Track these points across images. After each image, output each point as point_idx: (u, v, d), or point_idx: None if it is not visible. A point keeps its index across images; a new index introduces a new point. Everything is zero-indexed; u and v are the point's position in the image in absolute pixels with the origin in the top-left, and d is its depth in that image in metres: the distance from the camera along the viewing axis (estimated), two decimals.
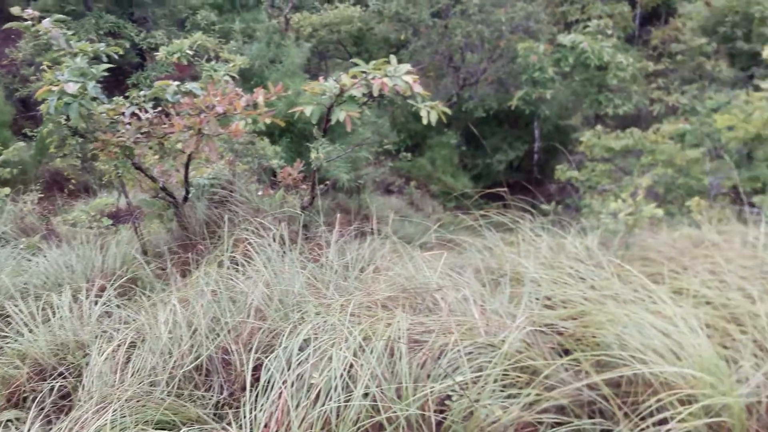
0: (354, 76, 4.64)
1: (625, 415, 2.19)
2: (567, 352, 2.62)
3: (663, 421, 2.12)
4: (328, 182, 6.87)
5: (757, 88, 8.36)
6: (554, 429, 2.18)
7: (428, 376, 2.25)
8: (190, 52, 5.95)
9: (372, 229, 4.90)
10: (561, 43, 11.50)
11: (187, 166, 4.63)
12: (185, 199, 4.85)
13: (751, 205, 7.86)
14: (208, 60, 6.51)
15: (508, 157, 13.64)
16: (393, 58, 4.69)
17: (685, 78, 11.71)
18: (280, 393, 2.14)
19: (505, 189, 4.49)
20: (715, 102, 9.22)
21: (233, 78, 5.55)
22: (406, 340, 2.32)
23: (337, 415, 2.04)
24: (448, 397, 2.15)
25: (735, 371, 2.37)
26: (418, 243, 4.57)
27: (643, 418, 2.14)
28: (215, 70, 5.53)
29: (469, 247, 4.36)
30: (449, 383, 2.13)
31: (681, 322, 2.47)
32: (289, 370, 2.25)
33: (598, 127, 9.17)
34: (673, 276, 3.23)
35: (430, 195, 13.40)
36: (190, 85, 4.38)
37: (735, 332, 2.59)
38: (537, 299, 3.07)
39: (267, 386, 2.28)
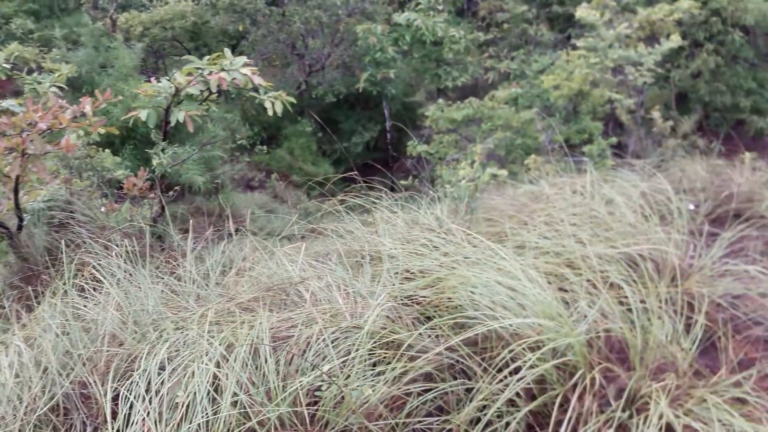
0: (189, 74, 4.46)
1: (484, 370, 2.35)
2: (429, 320, 2.75)
3: (517, 370, 2.30)
4: (177, 188, 6.56)
5: (574, 48, 9.15)
6: (422, 396, 2.29)
7: (297, 371, 2.26)
8: (7, 66, 5.45)
9: (232, 228, 4.77)
10: (397, 22, 11.81)
11: (16, 191, 4.22)
12: (19, 227, 4.43)
13: (583, 154, 8.69)
14: (30, 72, 5.95)
15: (363, 138, 13.85)
16: (228, 52, 4.56)
17: (512, 44, 12.56)
18: (143, 419, 2.04)
19: (356, 173, 4.58)
20: (540, 64, 10.01)
21: (61, 88, 5.14)
22: (270, 340, 2.31)
23: (207, 430, 1.99)
24: (319, 388, 2.18)
25: (574, 312, 2.63)
26: (281, 236, 4.53)
27: (500, 370, 2.31)
28: (39, 83, 5.10)
29: (331, 233, 4.40)
30: (317, 374, 2.15)
31: (523, 275, 2.68)
32: (150, 393, 2.15)
33: (440, 100, 9.58)
34: (515, 232, 3.49)
35: (293, 185, 13.29)
36: (6, 103, 4.00)
37: (571, 276, 2.86)
38: (396, 274, 3.17)
39: (129, 414, 2.17)
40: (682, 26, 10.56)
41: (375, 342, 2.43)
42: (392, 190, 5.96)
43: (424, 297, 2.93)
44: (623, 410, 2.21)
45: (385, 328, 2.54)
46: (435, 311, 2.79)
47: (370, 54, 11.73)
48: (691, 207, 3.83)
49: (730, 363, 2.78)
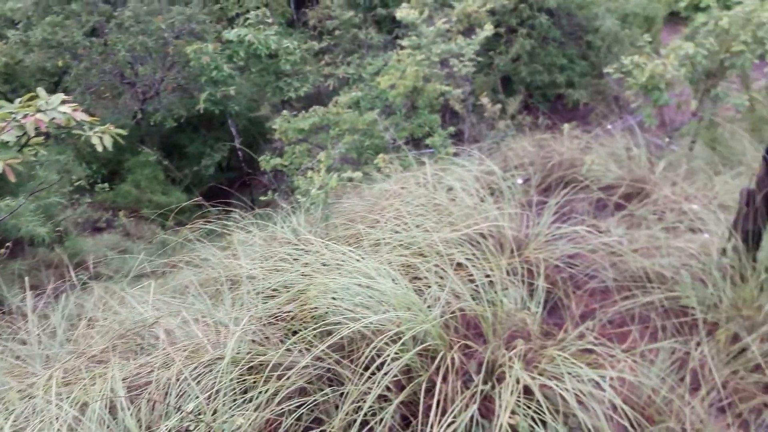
0: (4, 119, 4.07)
1: (353, 372, 2.39)
2: (297, 334, 2.75)
3: (384, 365, 2.37)
4: (9, 244, 5.97)
5: (402, 47, 9.51)
6: (297, 412, 2.29)
7: (161, 416, 2.15)
8: None
9: (77, 278, 4.43)
10: (228, 39, 11.57)
11: None
12: None
13: (427, 146, 9.10)
14: None
15: (214, 160, 13.42)
16: (42, 91, 4.22)
17: (347, 50, 12.82)
18: None
19: (202, 198, 4.45)
20: (374, 67, 10.32)
21: None
22: (127, 390, 2.18)
23: None
24: (187, 429, 2.09)
25: (428, 298, 2.76)
26: (133, 276, 4.27)
27: (367, 368, 2.37)
28: None
29: (187, 264, 4.24)
30: (182, 415, 2.07)
31: (378, 272, 2.76)
32: None
33: (285, 111, 9.55)
34: (368, 231, 3.58)
35: (145, 220, 12.55)
36: None
37: (422, 264, 3.00)
38: (259, 294, 3.13)
39: None
40: (496, 15, 11.42)
41: (241, 368, 2.39)
42: (252, 208, 5.85)
43: (289, 312, 2.92)
44: (485, 382, 2.37)
45: (250, 353, 2.50)
46: (301, 324, 2.79)
47: (206, 74, 11.38)
48: (519, 182, 4.16)
49: (574, 318, 3.08)
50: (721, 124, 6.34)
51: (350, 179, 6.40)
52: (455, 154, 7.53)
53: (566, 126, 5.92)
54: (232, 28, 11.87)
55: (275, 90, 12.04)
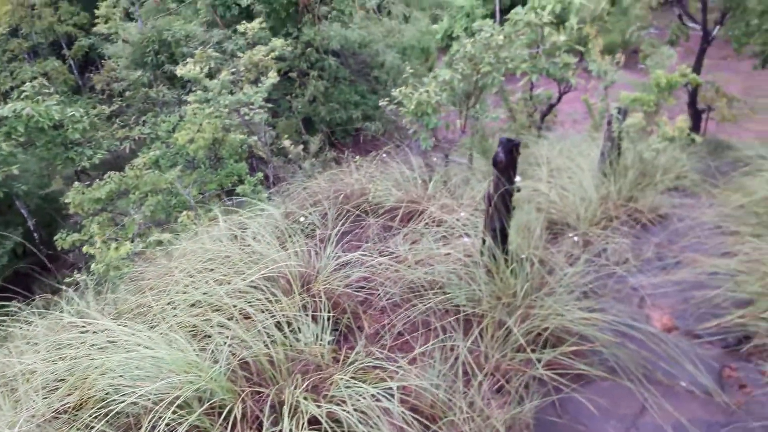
0: None
1: None
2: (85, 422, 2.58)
3: None
4: None
5: (188, 103, 9.36)
6: None
7: None
8: None
9: None
10: (3, 115, 10.55)
11: None
12: None
13: (237, 195, 9.05)
14: None
15: (6, 248, 12.04)
16: None
17: (141, 110, 12.36)
18: None
19: None
20: (169, 124, 10.06)
21: None
22: None
23: None
24: None
25: (214, 352, 2.75)
26: None
27: None
28: None
29: None
30: None
31: (158, 340, 2.70)
32: None
33: (77, 183, 8.90)
34: (158, 296, 3.48)
35: None
36: None
37: (208, 321, 2.99)
38: (38, 392, 2.89)
39: None
40: (286, 61, 11.79)
41: None
42: (56, 291, 5.35)
43: (72, 402, 2.74)
44: (275, 423, 2.41)
45: None
46: (86, 412, 2.63)
47: None
48: (302, 219, 4.33)
49: (367, 338, 3.26)
50: (490, 135, 7.13)
51: (159, 242, 6.17)
52: (269, 198, 7.60)
53: (357, 158, 6.28)
54: (6, 102, 10.87)
55: (66, 161, 11.20)
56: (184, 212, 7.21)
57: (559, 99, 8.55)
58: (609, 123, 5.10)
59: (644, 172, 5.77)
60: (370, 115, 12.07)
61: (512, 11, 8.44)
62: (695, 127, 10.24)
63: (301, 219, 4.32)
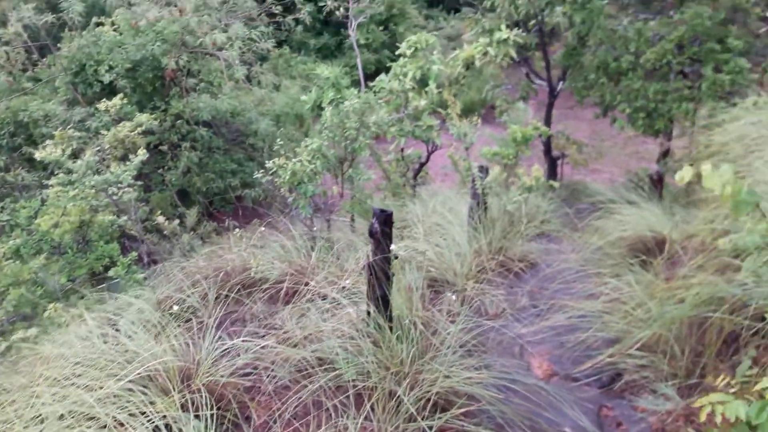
0: None
1: None
2: None
3: None
4: None
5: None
6: None
7: None
8: None
9: None
10: None
11: None
12: None
13: (112, 279, 8.49)
14: None
15: None
16: None
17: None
18: None
19: None
20: (30, 210, 9.33)
21: None
22: None
23: None
24: None
25: None
26: None
27: None
28: None
29: None
30: None
31: None
32: None
33: None
34: (22, 412, 3.15)
35: None
36: None
37: (84, 430, 2.73)
38: None
39: None
40: (155, 134, 11.46)
41: None
42: None
43: None
44: None
45: None
46: None
47: None
48: (176, 308, 4.16)
49: (256, 428, 3.13)
50: (368, 196, 7.30)
51: (23, 339, 5.61)
52: (145, 278, 7.20)
53: (237, 231, 6.16)
54: None
55: None
56: (52, 304, 6.64)
57: (428, 158, 9.01)
58: (473, 181, 5.43)
59: (511, 221, 6.17)
60: (248, 182, 11.94)
61: (377, 78, 8.87)
62: (552, 173, 11.17)
63: (175, 308, 4.13)
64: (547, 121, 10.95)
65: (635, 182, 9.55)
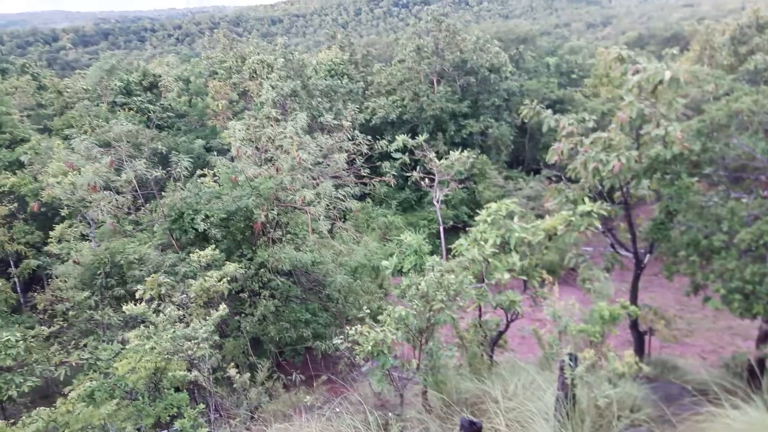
0: None
1: None
2: None
3: None
4: None
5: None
6: None
7: None
8: None
9: None
10: None
11: None
12: None
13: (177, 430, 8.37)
14: None
15: None
16: None
17: (82, 331, 11.87)
18: None
19: None
20: (110, 352, 9.59)
21: None
22: None
23: None
24: None
25: None
26: None
27: None
28: None
29: None
30: None
31: None
32: None
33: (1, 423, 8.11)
34: None
35: None
36: None
37: None
38: None
39: None
40: (238, 281, 11.84)
41: None
42: None
43: None
44: None
45: None
46: None
47: None
48: None
49: None
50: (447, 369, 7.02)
51: None
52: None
53: (307, 400, 5.99)
54: None
55: None
56: None
57: (507, 326, 8.70)
58: (561, 369, 5.11)
59: (600, 413, 5.67)
60: (320, 333, 11.93)
61: (456, 242, 8.93)
62: (639, 348, 10.48)
63: None
64: (633, 293, 10.49)
65: (732, 368, 8.77)
